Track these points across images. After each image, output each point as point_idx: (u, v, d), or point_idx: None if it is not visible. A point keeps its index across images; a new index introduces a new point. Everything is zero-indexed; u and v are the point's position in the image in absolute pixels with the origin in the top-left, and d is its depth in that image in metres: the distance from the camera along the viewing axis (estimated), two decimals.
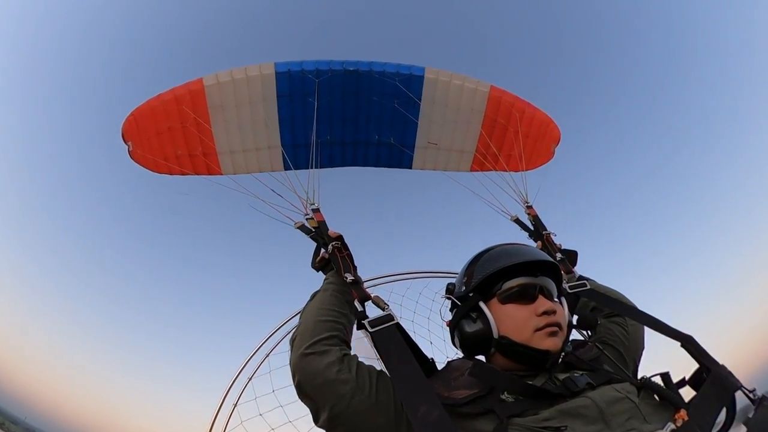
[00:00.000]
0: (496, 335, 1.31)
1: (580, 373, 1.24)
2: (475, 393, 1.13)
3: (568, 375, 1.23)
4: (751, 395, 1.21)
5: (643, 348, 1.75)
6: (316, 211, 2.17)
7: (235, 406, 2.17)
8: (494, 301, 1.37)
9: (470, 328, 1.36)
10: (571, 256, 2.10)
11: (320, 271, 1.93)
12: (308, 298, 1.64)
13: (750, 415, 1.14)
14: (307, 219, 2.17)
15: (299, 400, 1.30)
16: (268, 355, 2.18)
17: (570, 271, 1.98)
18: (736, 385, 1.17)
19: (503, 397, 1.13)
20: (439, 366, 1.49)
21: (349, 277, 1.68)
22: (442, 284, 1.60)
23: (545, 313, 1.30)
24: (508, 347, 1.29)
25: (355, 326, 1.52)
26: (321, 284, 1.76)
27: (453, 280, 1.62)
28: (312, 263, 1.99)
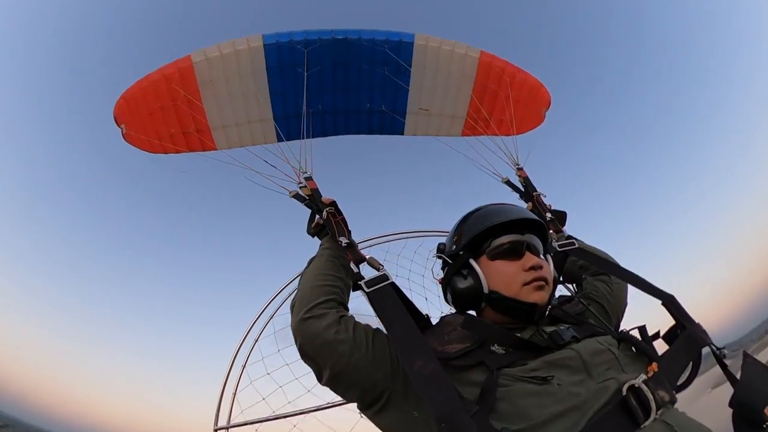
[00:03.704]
0: (486, 290, 1.36)
1: (566, 326, 1.30)
2: (467, 346, 1.18)
3: (554, 328, 1.28)
4: (717, 352, 1.28)
5: (625, 305, 1.81)
6: (309, 179, 2.19)
7: (244, 367, 2.25)
8: (483, 258, 1.41)
9: (462, 284, 1.42)
10: (560, 217, 2.13)
11: (316, 237, 1.96)
12: (306, 264, 1.68)
13: (738, 376, 1.16)
14: (300, 187, 2.19)
15: (302, 361, 1.34)
16: (272, 317, 2.26)
17: (559, 231, 2.00)
18: (706, 342, 1.25)
19: (493, 349, 1.18)
20: (434, 321, 1.53)
21: (344, 241, 1.71)
22: (436, 243, 1.64)
23: (532, 268, 1.35)
24: (498, 301, 1.35)
25: (351, 288, 1.55)
26: (317, 250, 1.80)
27: (444, 240, 1.66)
28: (307, 229, 2.02)
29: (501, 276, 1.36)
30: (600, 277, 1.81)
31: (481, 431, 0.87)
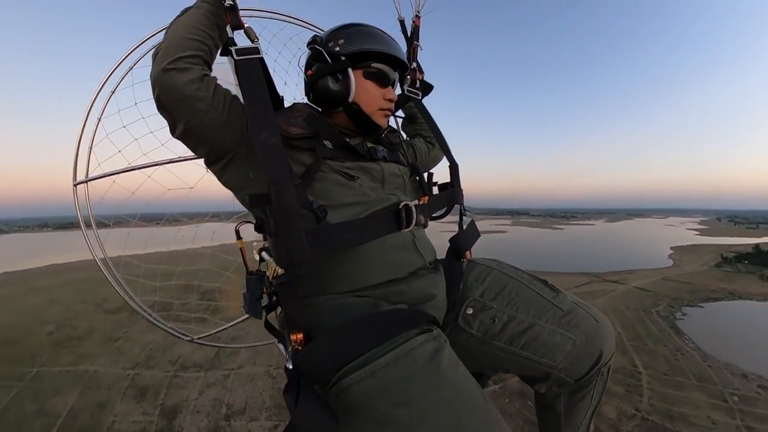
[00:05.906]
0: (351, 99, 1.49)
1: (383, 148, 1.56)
2: (306, 133, 1.37)
3: (374, 146, 1.53)
4: (464, 211, 1.72)
5: (428, 169, 2.12)
6: None
7: (100, 120, 2.09)
8: (359, 72, 1.50)
9: (333, 86, 1.47)
10: (420, 69, 2.30)
11: None
12: (178, 13, 1.49)
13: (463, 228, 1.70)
14: None
15: (158, 114, 1.32)
16: (131, 68, 2.14)
17: (414, 81, 2.08)
18: (459, 201, 1.74)
19: (325, 143, 1.40)
20: (286, 104, 1.63)
21: (228, 1, 1.49)
22: (309, 36, 1.64)
23: (390, 99, 1.57)
24: (356, 112, 1.52)
25: (219, 52, 1.45)
26: (195, 0, 1.54)
27: (319, 33, 1.65)
28: None
29: (367, 94, 1.51)
30: (429, 142, 2.13)
31: (298, 197, 1.11)
